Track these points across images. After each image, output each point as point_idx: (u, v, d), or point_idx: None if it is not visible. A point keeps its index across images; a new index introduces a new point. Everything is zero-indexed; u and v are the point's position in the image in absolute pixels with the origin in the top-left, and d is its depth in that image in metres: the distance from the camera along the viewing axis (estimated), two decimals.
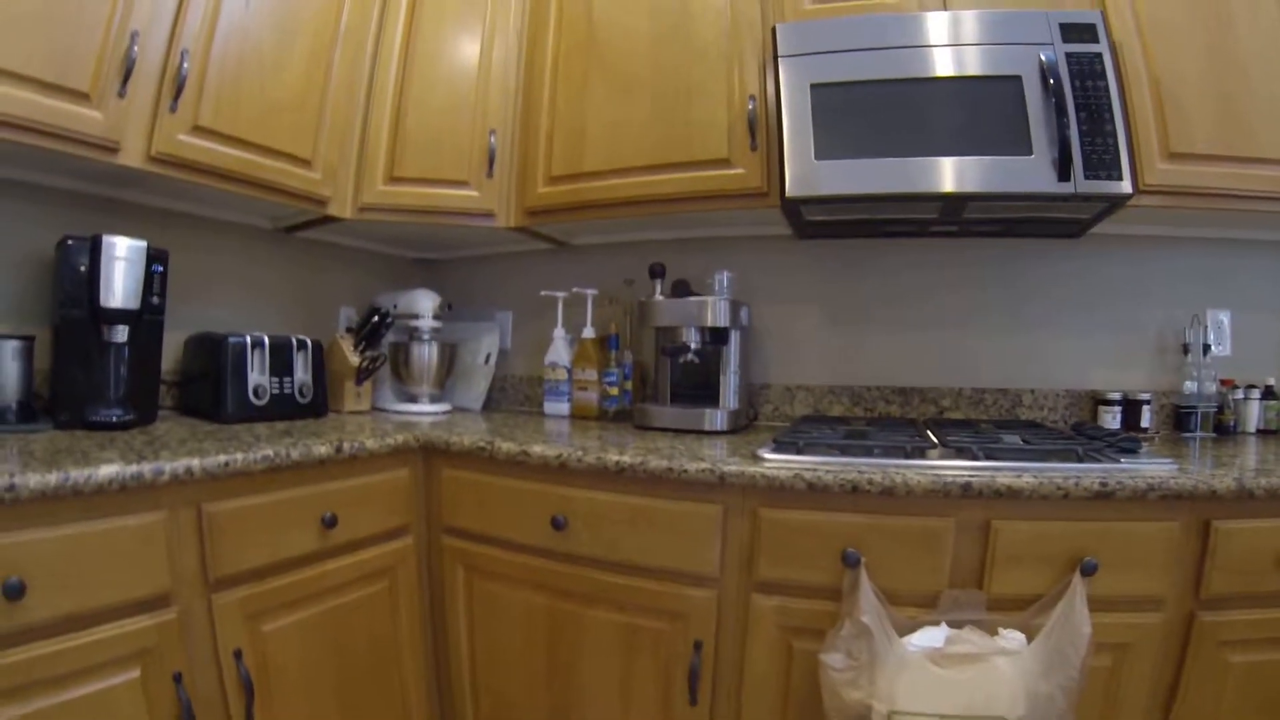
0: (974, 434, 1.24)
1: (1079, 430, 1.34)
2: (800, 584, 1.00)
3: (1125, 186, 1.16)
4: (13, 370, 1.11)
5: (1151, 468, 0.97)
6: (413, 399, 1.64)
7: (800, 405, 1.63)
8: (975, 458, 1.02)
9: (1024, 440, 1.14)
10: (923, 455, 1.05)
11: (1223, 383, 1.45)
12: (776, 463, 1.03)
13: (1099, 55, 1.19)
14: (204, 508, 0.94)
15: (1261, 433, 1.45)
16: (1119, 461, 1.00)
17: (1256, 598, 0.94)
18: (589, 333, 1.60)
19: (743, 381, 1.47)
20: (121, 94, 1.11)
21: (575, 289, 1.63)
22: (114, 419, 1.13)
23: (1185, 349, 1.47)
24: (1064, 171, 1.16)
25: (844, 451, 1.09)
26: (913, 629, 0.94)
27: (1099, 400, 1.47)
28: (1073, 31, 1.21)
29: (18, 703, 0.76)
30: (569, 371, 1.61)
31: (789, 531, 1.01)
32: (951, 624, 0.94)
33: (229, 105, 1.25)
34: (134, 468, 0.85)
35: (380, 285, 1.85)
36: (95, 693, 0.82)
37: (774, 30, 1.32)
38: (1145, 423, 1.44)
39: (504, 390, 1.90)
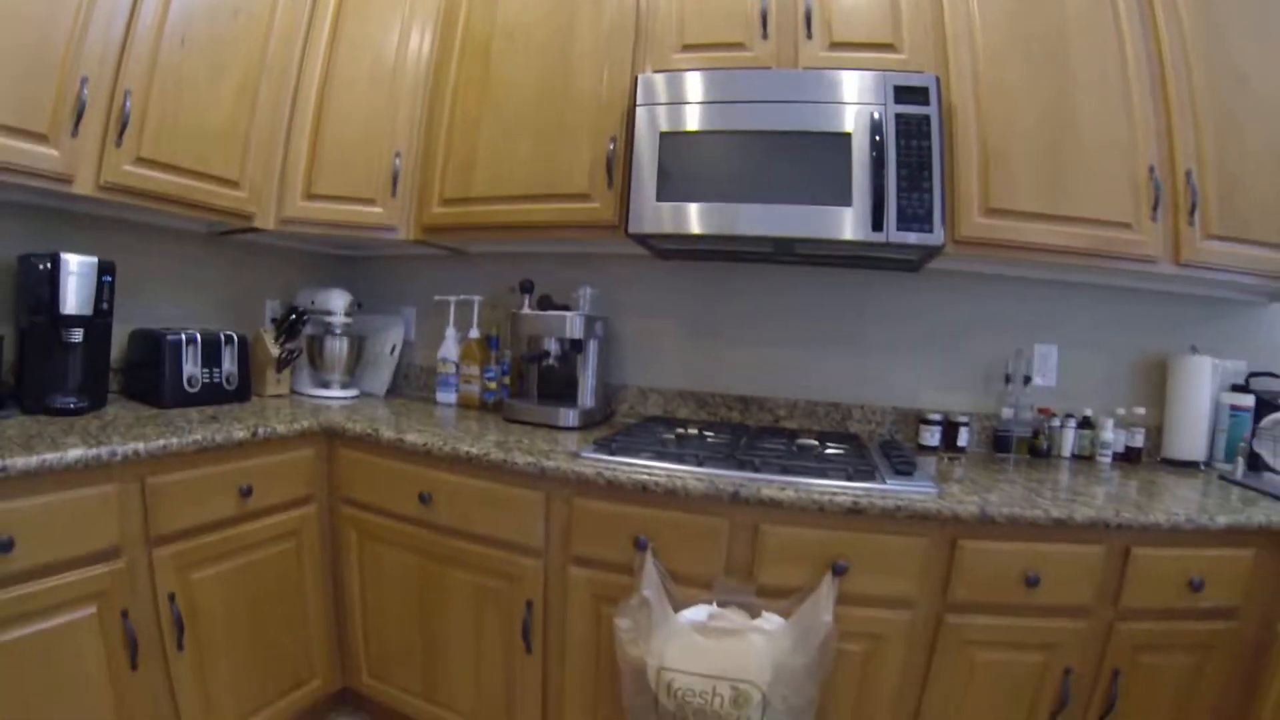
0: (782, 444, 1.64)
1: (885, 447, 1.72)
2: (605, 560, 1.41)
3: (936, 239, 1.52)
4: None
5: (911, 491, 1.31)
6: (326, 385, 2.08)
7: (653, 406, 2.07)
8: (755, 469, 1.39)
9: (817, 456, 1.52)
10: (705, 464, 1.42)
11: (1040, 411, 1.84)
12: (589, 461, 1.45)
13: (927, 117, 1.54)
14: (147, 481, 1.34)
15: (1075, 457, 1.82)
16: (885, 482, 1.34)
17: (998, 607, 1.28)
18: (474, 333, 2.04)
19: (600, 383, 1.91)
20: (75, 133, 1.45)
21: (464, 296, 2.06)
22: (71, 405, 1.53)
23: (1007, 379, 1.86)
24: (878, 222, 1.52)
25: (656, 455, 1.48)
26: (689, 605, 1.31)
27: (921, 419, 1.85)
28: (906, 94, 1.55)
29: (5, 630, 1.14)
30: (457, 366, 2.05)
31: (596, 518, 1.42)
32: (722, 604, 1.31)
33: (167, 137, 1.61)
34: (94, 451, 1.24)
35: (302, 280, 2.26)
36: (64, 624, 1.21)
37: (635, 80, 1.69)
38: (962, 442, 1.81)
39: (407, 377, 2.35)
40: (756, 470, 1.41)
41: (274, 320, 2.04)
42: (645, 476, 1.38)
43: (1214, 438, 1.82)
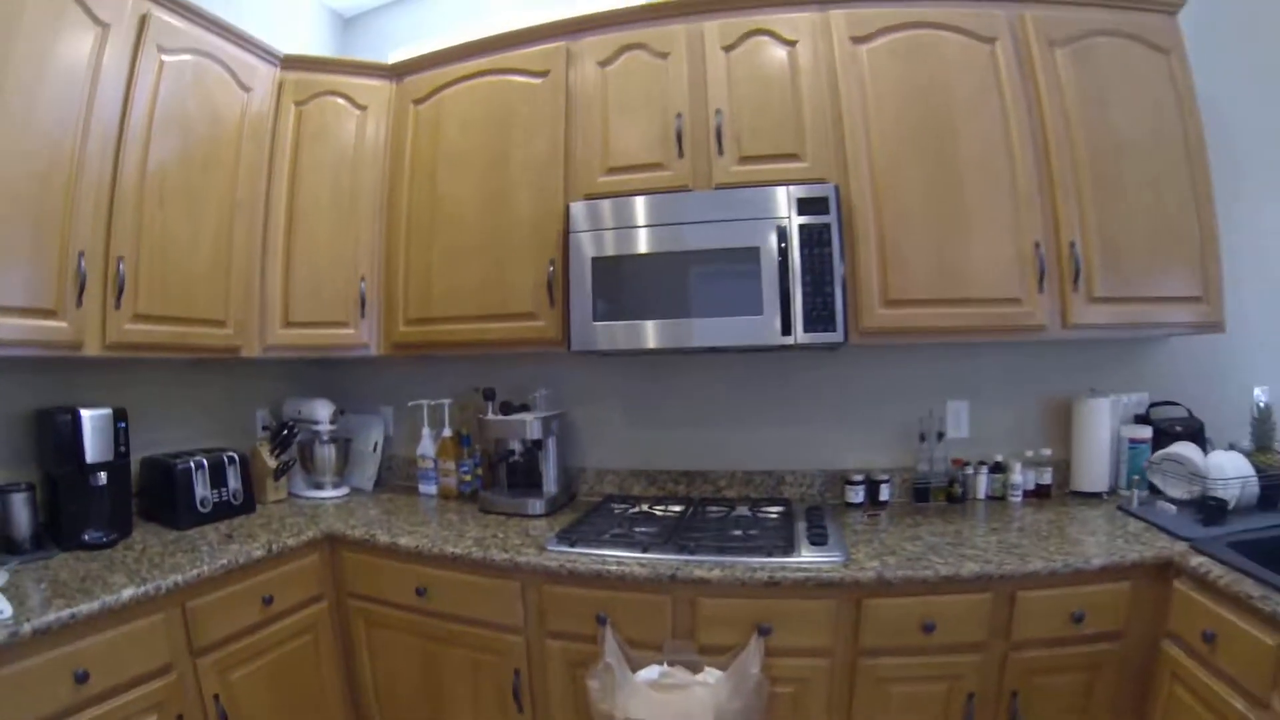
0: (721, 513, 2.04)
1: (810, 513, 2.04)
2: (575, 633, 1.75)
3: (836, 337, 1.86)
4: (24, 515, 1.78)
5: (820, 561, 1.64)
6: (319, 486, 2.41)
7: (609, 484, 2.44)
8: (690, 552, 1.73)
9: (744, 533, 1.85)
10: (650, 550, 1.76)
11: (954, 462, 2.15)
12: (554, 554, 1.79)
13: (827, 225, 1.86)
14: (186, 605, 1.66)
15: (990, 498, 2.16)
16: (800, 555, 1.67)
17: (903, 649, 1.60)
18: (447, 432, 2.39)
19: (561, 470, 2.27)
20: (79, 304, 1.73)
21: (435, 400, 2.42)
22: (103, 540, 1.84)
23: (922, 437, 2.17)
24: (787, 327, 1.86)
25: (611, 542, 1.83)
26: (643, 665, 1.66)
27: (846, 480, 2.19)
28: (807, 204, 1.88)
29: None
30: (435, 462, 2.39)
31: (563, 600, 1.76)
32: (671, 663, 1.66)
33: (159, 291, 1.92)
34: (143, 589, 1.54)
35: (288, 388, 2.59)
36: None
37: (567, 208, 2.02)
38: (884, 496, 2.15)
39: (391, 469, 2.69)
40: (692, 553, 1.74)
41: (266, 428, 2.37)
42: (599, 566, 1.72)
43: (1118, 468, 2.14)
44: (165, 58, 1.95)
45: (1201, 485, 1.84)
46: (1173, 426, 2.10)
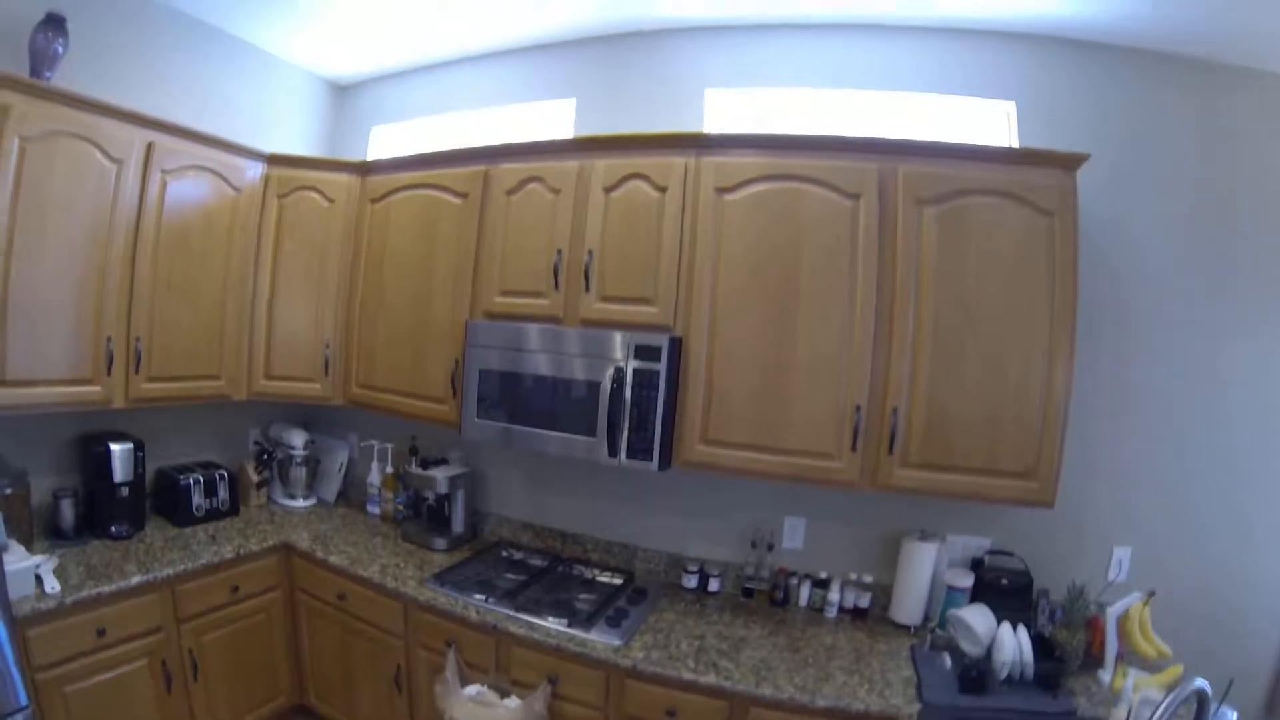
0: (577, 573, 2.73)
1: (634, 594, 2.59)
2: (435, 648, 2.51)
3: (652, 467, 2.36)
4: (69, 513, 2.70)
5: (599, 640, 2.21)
6: (293, 497, 3.30)
7: (506, 529, 3.16)
8: (516, 608, 2.41)
9: (577, 596, 2.53)
10: (489, 601, 2.46)
11: (779, 571, 2.61)
12: (429, 589, 2.56)
13: (657, 372, 2.33)
14: (176, 588, 2.56)
15: (811, 608, 2.57)
16: (589, 631, 2.25)
17: None
18: (389, 469, 3.19)
19: (469, 511, 3.02)
20: (109, 374, 2.62)
21: (382, 443, 3.22)
22: (124, 533, 2.76)
23: (754, 544, 2.68)
24: (614, 450, 2.40)
25: (471, 587, 2.57)
26: (471, 683, 2.41)
27: (684, 567, 2.73)
28: (643, 351, 2.36)
29: (104, 673, 2.37)
30: (379, 490, 3.20)
31: (428, 624, 2.53)
32: (490, 686, 2.36)
33: (167, 358, 2.77)
34: (147, 576, 2.44)
35: (273, 416, 3.49)
36: (132, 669, 2.41)
37: (465, 324, 2.67)
38: (714, 587, 2.67)
39: (352, 484, 3.54)
40: (518, 609, 2.43)
41: (256, 443, 3.25)
42: (450, 607, 2.47)
43: (934, 605, 2.44)
44: (169, 179, 2.72)
45: (981, 651, 2.13)
46: (999, 579, 2.35)
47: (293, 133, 3.58)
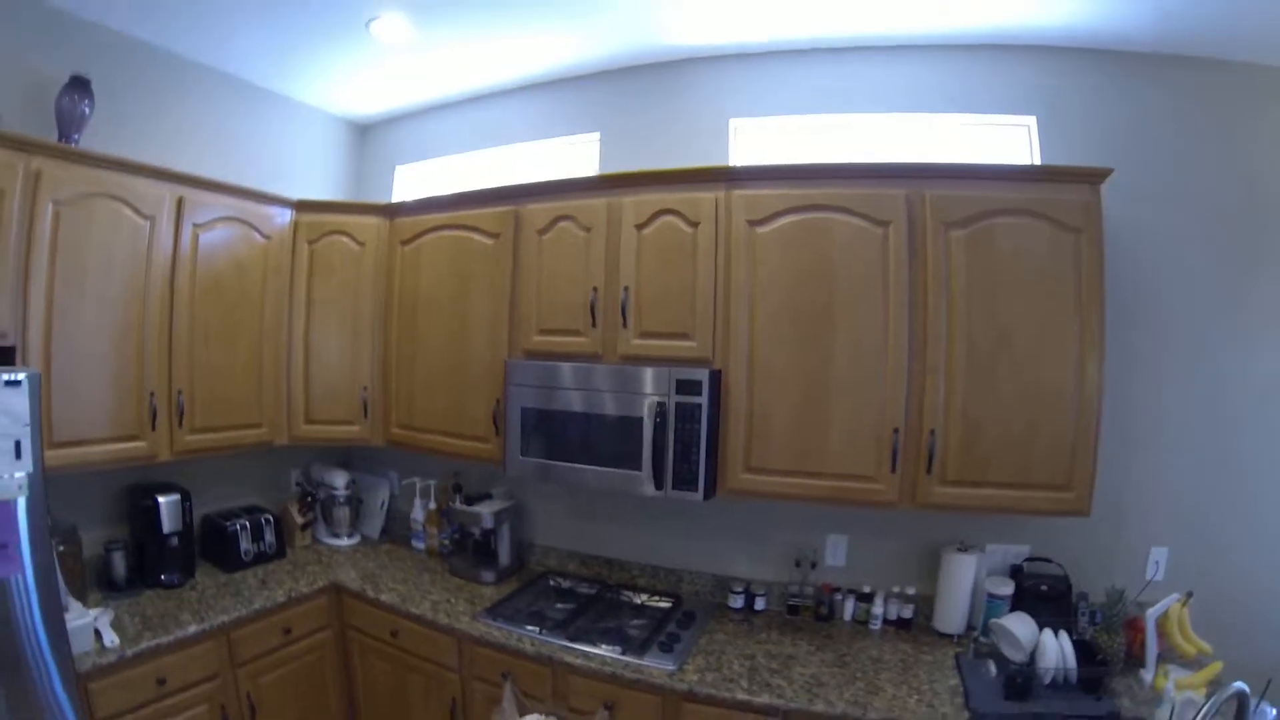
0: (616, 607, 2.69)
1: (684, 616, 2.58)
2: (490, 680, 2.49)
3: (697, 498, 2.35)
4: (121, 564, 2.68)
5: (654, 666, 2.19)
6: (336, 535, 3.27)
7: (552, 559, 3.15)
8: (570, 639, 2.40)
9: (628, 621, 2.52)
10: (544, 632, 2.45)
11: (824, 587, 2.60)
12: (482, 624, 2.55)
13: (699, 405, 2.32)
14: (231, 634, 2.55)
15: (855, 621, 2.57)
16: (643, 657, 2.24)
17: None
18: (432, 505, 3.18)
19: (514, 542, 3.00)
20: (153, 428, 2.59)
21: (425, 480, 3.19)
22: (174, 581, 2.73)
23: (798, 563, 2.68)
24: (659, 483, 2.39)
25: (524, 619, 2.57)
26: (529, 713, 2.39)
27: (729, 588, 2.73)
28: (685, 386, 2.34)
29: (171, 717, 2.35)
30: (424, 526, 3.19)
31: (483, 657, 2.51)
32: (547, 714, 2.34)
33: (209, 409, 2.74)
34: (203, 626, 2.42)
35: (314, 456, 3.45)
36: (192, 716, 2.40)
37: (505, 363, 2.65)
38: (760, 606, 2.66)
39: (394, 520, 3.51)
40: (573, 640, 2.41)
41: (298, 484, 3.23)
42: (505, 640, 2.45)
43: (976, 613, 2.44)
44: (200, 231, 2.69)
45: (1024, 657, 2.14)
46: (1039, 585, 2.35)
47: (316, 175, 3.55)
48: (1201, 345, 2.45)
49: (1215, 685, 1.95)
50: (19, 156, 2.18)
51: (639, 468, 2.45)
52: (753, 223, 2.39)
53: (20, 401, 1.94)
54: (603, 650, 2.34)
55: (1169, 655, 2.18)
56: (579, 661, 2.31)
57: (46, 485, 2.01)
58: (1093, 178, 2.14)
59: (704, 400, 2.35)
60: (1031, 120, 2.59)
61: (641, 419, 2.43)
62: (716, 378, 2.41)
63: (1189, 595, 2.20)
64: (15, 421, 1.93)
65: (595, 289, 2.58)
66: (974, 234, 2.19)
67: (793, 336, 2.33)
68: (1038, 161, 2.54)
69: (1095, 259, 2.12)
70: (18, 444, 1.94)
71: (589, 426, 2.54)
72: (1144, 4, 2.23)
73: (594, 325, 2.59)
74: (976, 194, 2.18)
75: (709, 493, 2.42)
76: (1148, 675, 2.16)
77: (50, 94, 2.48)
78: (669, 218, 2.50)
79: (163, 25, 2.73)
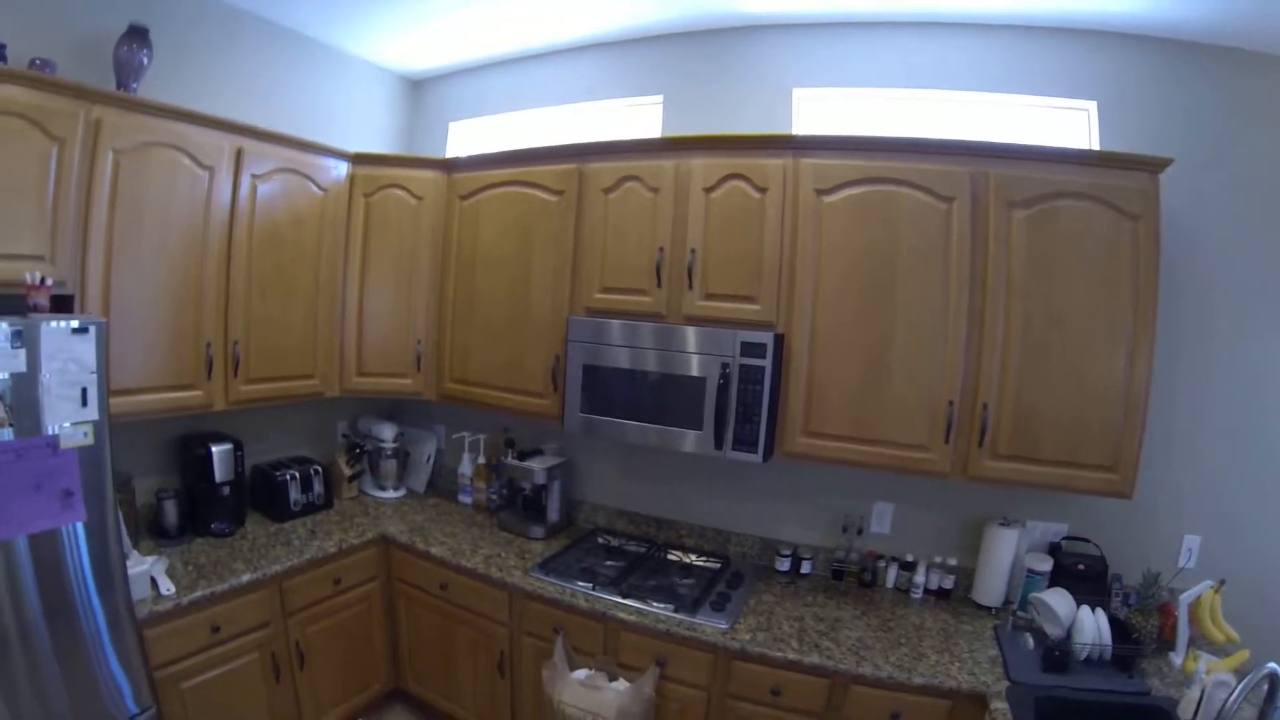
0: (672, 560, 2.70)
1: (732, 578, 2.57)
2: (541, 635, 2.49)
3: (757, 459, 2.34)
4: (173, 513, 2.62)
5: (706, 623, 2.21)
6: (382, 488, 3.24)
7: (600, 517, 3.13)
8: (623, 595, 2.39)
9: (674, 583, 2.51)
10: (596, 588, 2.44)
11: (868, 554, 2.61)
12: (534, 579, 2.53)
13: (762, 368, 2.30)
14: (283, 584, 2.52)
15: (895, 589, 2.59)
16: (695, 615, 2.26)
17: (755, 701, 2.13)
18: (481, 459, 3.14)
19: (563, 499, 2.98)
20: (209, 378, 2.53)
21: (474, 435, 3.14)
22: (226, 530, 2.69)
23: (844, 529, 2.69)
24: (719, 443, 2.37)
25: (575, 575, 2.55)
26: (579, 667, 2.39)
27: (777, 551, 2.73)
28: (749, 348, 2.32)
29: (220, 667, 2.32)
30: (471, 480, 3.15)
31: (535, 611, 2.50)
32: (597, 669, 2.35)
33: (264, 360, 2.69)
34: (256, 575, 2.39)
35: (361, 409, 3.39)
36: (244, 662, 2.38)
37: (566, 320, 2.61)
38: (805, 570, 2.67)
39: (440, 474, 3.48)
40: (625, 596, 2.40)
41: (345, 436, 3.19)
42: (559, 595, 2.44)
43: (1015, 587, 2.45)
44: (258, 183, 2.62)
45: (1062, 632, 2.16)
46: (1076, 564, 2.38)
47: (368, 130, 3.47)
48: (1245, 337, 2.42)
49: (1242, 672, 1.94)
50: (80, 105, 2.11)
51: (699, 427, 2.43)
52: (820, 191, 2.35)
53: (87, 349, 1.90)
54: (656, 607, 2.34)
55: (1198, 641, 2.19)
56: (632, 618, 2.30)
57: (117, 448, 1.97)
58: (1153, 166, 2.12)
59: (767, 363, 2.33)
60: (1092, 105, 2.55)
61: (704, 379, 2.41)
62: (779, 341, 2.38)
63: (1222, 583, 2.19)
64: (82, 368, 1.89)
65: (662, 249, 2.54)
66: (1036, 215, 2.17)
67: (854, 305, 2.32)
68: (1096, 146, 2.51)
69: (1152, 247, 2.11)
70: (84, 391, 1.90)
71: (650, 385, 2.51)
72: None
73: (659, 285, 2.55)
74: (1039, 175, 2.16)
75: (767, 455, 2.41)
76: (1177, 658, 2.17)
77: (103, 43, 2.40)
78: (737, 182, 2.45)
79: None
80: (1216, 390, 2.44)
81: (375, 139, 3.49)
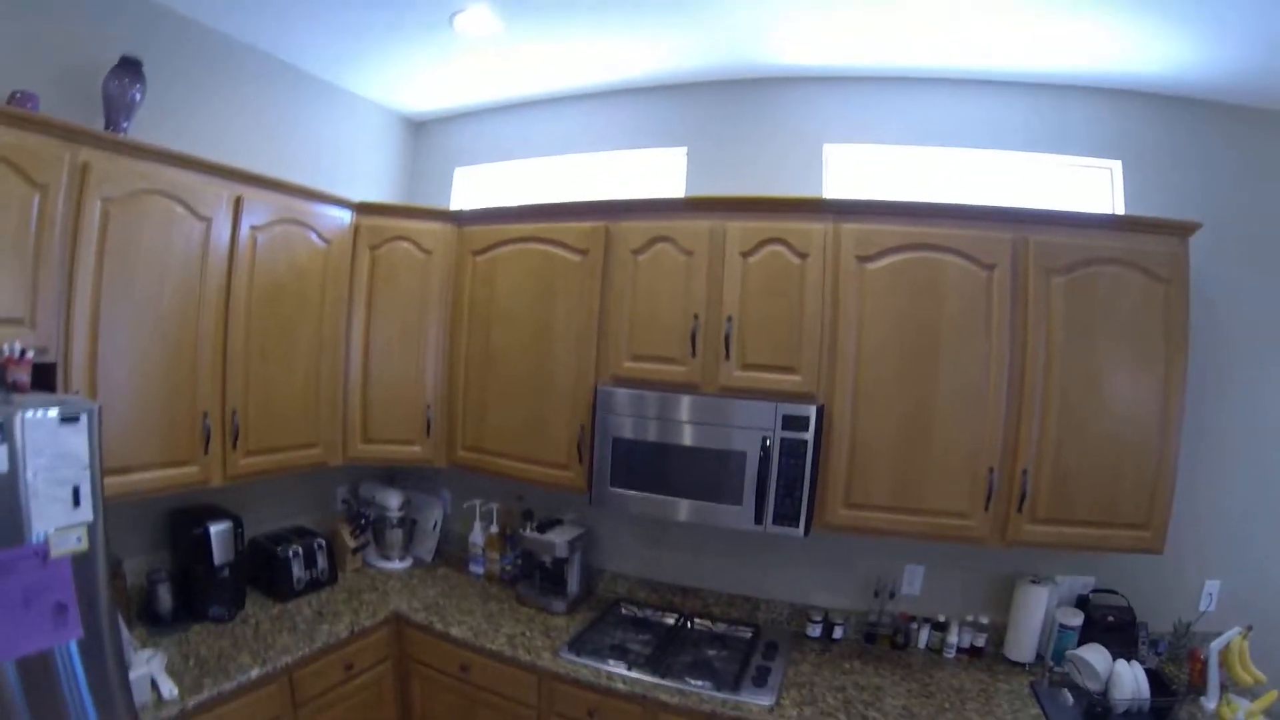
0: (696, 637, 2.56)
1: (768, 648, 2.46)
2: (571, 718, 2.35)
3: (798, 532, 2.26)
4: (166, 597, 2.38)
5: (750, 701, 2.10)
6: (388, 558, 3.02)
7: (622, 586, 2.97)
8: (662, 676, 2.26)
9: (714, 652, 2.41)
10: (633, 669, 2.30)
11: (901, 615, 2.55)
12: (566, 661, 2.37)
13: (805, 442, 2.22)
14: (293, 675, 2.30)
15: (928, 649, 2.53)
16: (739, 693, 2.14)
17: None
18: (494, 529, 2.95)
19: (583, 569, 2.82)
20: (205, 452, 2.30)
21: (485, 503, 2.95)
22: (225, 615, 2.45)
23: (876, 593, 2.61)
24: (759, 518, 2.28)
25: (608, 655, 2.41)
26: None
27: (808, 617, 2.63)
28: (791, 421, 2.24)
29: None
30: (483, 550, 2.97)
31: (566, 695, 2.33)
32: None
33: (264, 429, 2.46)
34: (266, 669, 2.16)
35: (363, 475, 3.16)
36: None
37: (595, 389, 2.46)
38: (837, 635, 2.58)
39: (448, 542, 3.27)
40: (663, 677, 2.26)
41: (345, 502, 2.96)
42: (594, 679, 2.29)
43: (1048, 642, 2.43)
44: (258, 234, 2.40)
45: (1100, 687, 2.17)
46: (1105, 616, 2.38)
47: (368, 173, 3.23)
48: (1263, 386, 2.47)
49: (1273, 713, 2.06)
50: (65, 146, 1.87)
51: (739, 502, 2.33)
52: (862, 259, 2.29)
53: (79, 440, 1.66)
54: (696, 685, 2.23)
55: (1227, 684, 2.23)
56: (674, 700, 2.18)
57: (108, 534, 1.73)
58: (1183, 231, 2.15)
59: (810, 437, 2.25)
60: (1116, 164, 2.56)
61: (744, 453, 2.31)
62: (820, 413, 2.30)
63: (1249, 629, 2.24)
64: (73, 465, 1.65)
65: (696, 316, 2.41)
66: (1073, 281, 2.17)
67: (896, 373, 2.26)
68: (1120, 205, 2.54)
69: (1181, 308, 2.14)
70: (76, 490, 1.66)
71: (685, 459, 2.39)
72: (1243, 58, 2.20)
73: (693, 354, 2.42)
74: (1076, 241, 2.17)
75: (808, 528, 2.33)
76: (1209, 703, 2.20)
77: (92, 75, 2.15)
78: (777, 247, 2.36)
79: (222, 7, 2.40)
80: (1236, 440, 2.48)
81: (375, 183, 3.25)
